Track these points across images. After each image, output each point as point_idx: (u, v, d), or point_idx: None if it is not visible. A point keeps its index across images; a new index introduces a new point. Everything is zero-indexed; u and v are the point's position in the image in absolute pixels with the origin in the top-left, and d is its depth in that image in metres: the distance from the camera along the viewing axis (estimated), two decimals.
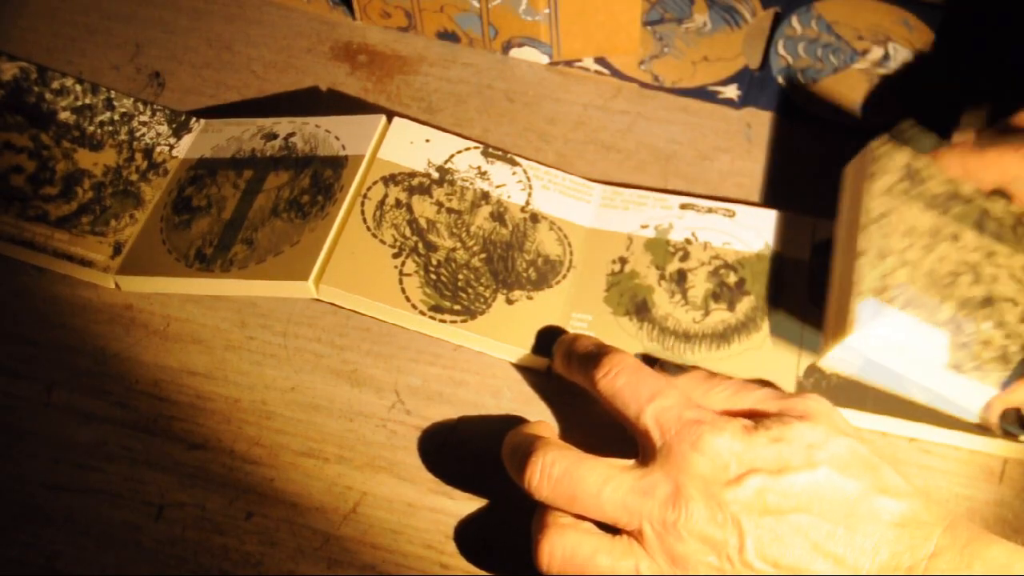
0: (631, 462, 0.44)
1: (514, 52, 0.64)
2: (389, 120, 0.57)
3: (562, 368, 0.49)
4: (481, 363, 0.52)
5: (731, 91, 0.62)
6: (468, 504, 0.48)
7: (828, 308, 0.49)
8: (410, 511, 0.48)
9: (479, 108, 0.62)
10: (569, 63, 0.64)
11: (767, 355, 0.50)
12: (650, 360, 0.50)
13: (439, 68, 0.64)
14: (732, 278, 0.53)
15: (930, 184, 0.49)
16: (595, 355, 0.47)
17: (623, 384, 0.45)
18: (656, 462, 0.43)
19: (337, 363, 0.52)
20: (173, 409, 0.51)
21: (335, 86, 0.63)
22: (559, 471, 0.43)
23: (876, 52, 0.63)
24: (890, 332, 0.46)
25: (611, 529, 0.43)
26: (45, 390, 0.52)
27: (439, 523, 0.48)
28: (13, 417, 0.51)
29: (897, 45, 0.63)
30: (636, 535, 0.42)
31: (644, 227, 0.55)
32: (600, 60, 0.64)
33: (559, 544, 0.43)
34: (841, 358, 0.47)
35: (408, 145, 0.56)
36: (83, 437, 0.50)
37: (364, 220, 0.53)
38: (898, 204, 0.48)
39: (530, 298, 0.52)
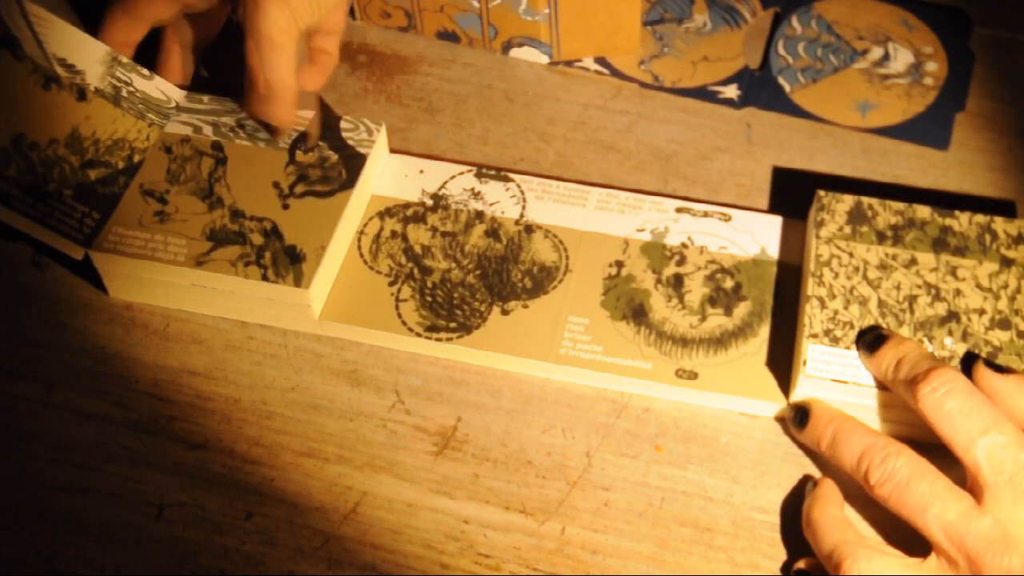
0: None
1: (514, 52, 0.64)
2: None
3: (884, 370, 0.47)
4: (481, 363, 0.52)
5: (731, 91, 0.62)
6: (468, 504, 0.48)
7: (795, 349, 0.50)
8: (410, 511, 0.48)
9: (479, 108, 0.62)
10: (569, 63, 0.64)
11: (764, 361, 0.51)
12: (968, 358, 0.47)
13: (439, 68, 0.64)
14: (729, 283, 0.53)
15: (881, 217, 0.51)
16: (923, 367, 0.45)
17: (953, 408, 0.43)
18: (986, 502, 0.42)
19: (337, 363, 0.52)
20: (173, 409, 0.51)
21: (335, 86, 0.63)
22: (904, 475, 0.43)
23: (876, 52, 0.63)
24: (840, 370, 0.47)
25: (914, 545, 0.44)
26: (45, 390, 0.52)
27: (439, 523, 0.48)
28: (13, 417, 0.51)
29: (897, 45, 0.63)
30: (948, 560, 0.42)
31: (640, 231, 0.55)
32: (600, 60, 0.64)
33: (867, 568, 0.43)
34: (808, 394, 0.48)
35: (402, 178, 0.57)
36: (83, 437, 0.50)
37: (361, 254, 0.54)
38: (844, 246, 0.50)
39: (526, 307, 0.52)
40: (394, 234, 0.55)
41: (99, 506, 0.48)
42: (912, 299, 0.49)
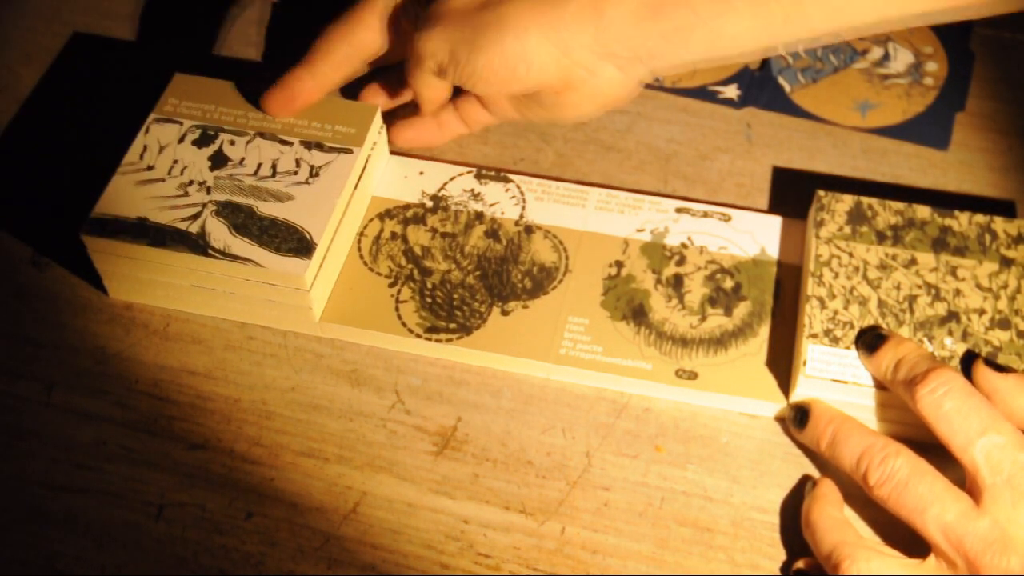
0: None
1: None
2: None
3: (883, 371, 0.47)
4: (481, 364, 0.52)
5: (731, 91, 0.62)
6: (468, 504, 0.48)
7: (795, 349, 0.50)
8: (410, 511, 0.48)
9: None
10: None
11: (764, 361, 0.51)
12: (968, 357, 0.47)
13: None
14: (729, 283, 0.53)
15: (881, 217, 0.51)
16: (922, 368, 0.45)
17: (951, 409, 0.43)
18: (985, 503, 0.42)
19: (337, 363, 0.52)
20: (173, 409, 0.51)
21: None
22: (903, 476, 0.43)
23: (876, 52, 0.63)
24: (840, 370, 0.47)
25: (912, 545, 0.44)
26: (45, 390, 0.52)
27: (439, 523, 0.48)
28: (13, 417, 0.51)
29: (897, 45, 0.63)
30: (947, 561, 0.42)
31: (640, 231, 0.55)
32: None
33: (866, 568, 0.43)
34: (808, 394, 0.49)
35: (402, 180, 0.57)
36: (83, 437, 0.50)
37: (361, 256, 0.54)
38: (844, 246, 0.50)
39: (526, 307, 0.52)
40: (394, 235, 0.55)
41: (99, 506, 0.48)
42: (912, 299, 0.49)
